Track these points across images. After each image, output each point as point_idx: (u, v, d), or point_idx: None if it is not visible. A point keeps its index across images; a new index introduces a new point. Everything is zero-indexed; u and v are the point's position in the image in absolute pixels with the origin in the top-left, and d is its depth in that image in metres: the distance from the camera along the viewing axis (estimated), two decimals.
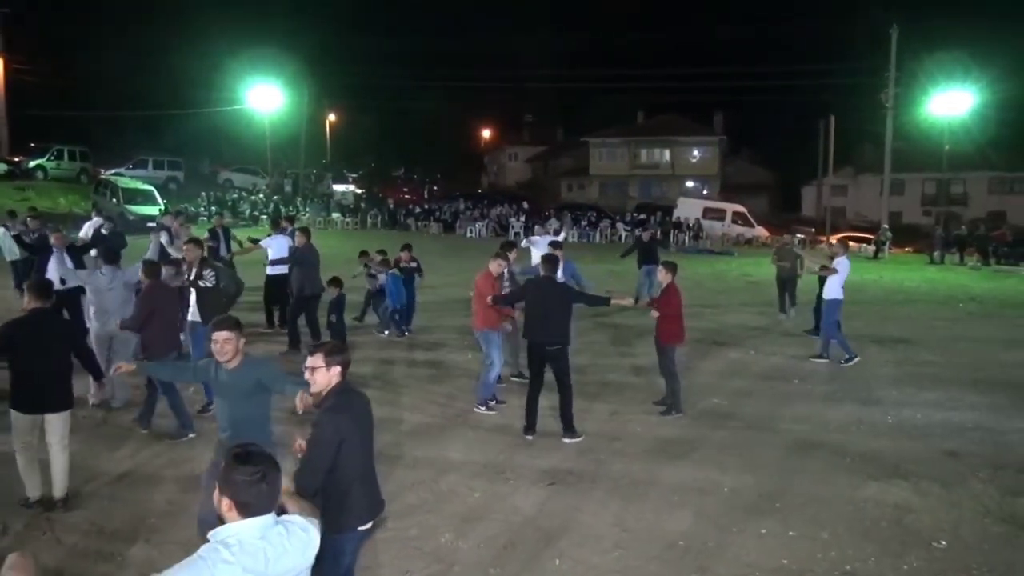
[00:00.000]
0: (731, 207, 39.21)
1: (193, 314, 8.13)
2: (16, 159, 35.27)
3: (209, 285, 8.03)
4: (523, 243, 13.40)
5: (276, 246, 11.89)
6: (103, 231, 13.01)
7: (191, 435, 7.23)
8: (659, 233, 23.78)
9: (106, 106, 43.48)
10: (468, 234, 35.35)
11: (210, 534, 2.42)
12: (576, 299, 7.99)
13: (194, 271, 8.17)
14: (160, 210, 27.45)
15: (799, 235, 37.06)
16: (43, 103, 40.01)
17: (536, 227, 15.96)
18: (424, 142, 68.08)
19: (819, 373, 10.45)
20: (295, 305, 10.88)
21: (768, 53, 54.50)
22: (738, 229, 36.99)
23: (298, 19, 72.37)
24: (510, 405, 8.45)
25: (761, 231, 37.08)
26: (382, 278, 12.50)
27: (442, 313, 13.80)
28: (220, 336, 4.53)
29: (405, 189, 56.05)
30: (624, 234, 35.20)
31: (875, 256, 31.44)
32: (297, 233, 11.29)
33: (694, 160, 58.48)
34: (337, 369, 3.72)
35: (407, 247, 12.80)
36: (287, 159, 48.18)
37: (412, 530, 5.58)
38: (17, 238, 12.13)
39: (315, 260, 10.99)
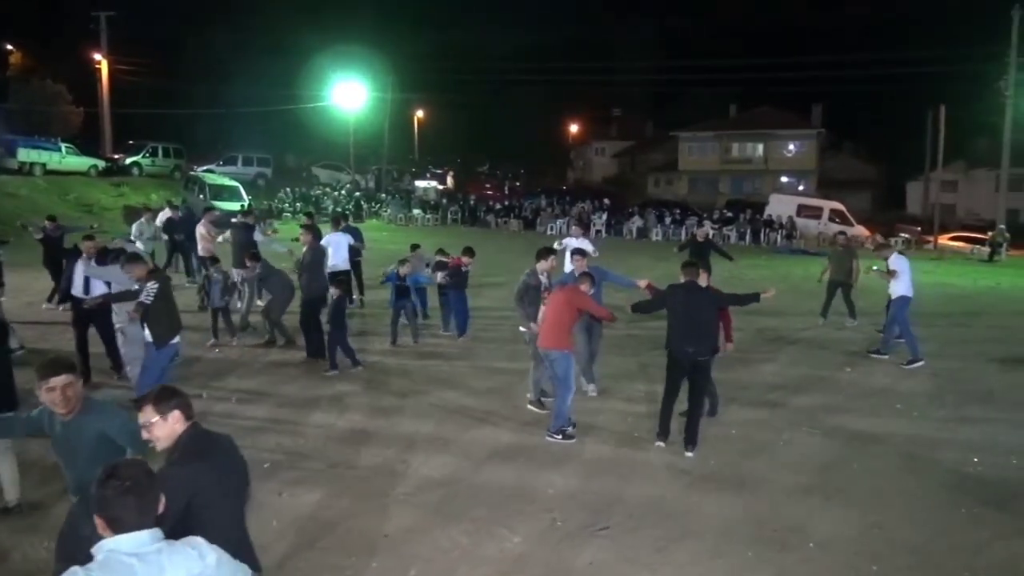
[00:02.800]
0: (828, 204, 36.97)
1: (147, 335, 7.22)
2: (115, 156, 36.57)
3: (148, 302, 7.05)
4: (557, 245, 12.35)
5: (336, 243, 12.34)
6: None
7: None
8: (713, 234, 22.32)
9: (201, 105, 44.80)
10: (549, 231, 34.45)
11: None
12: (727, 302, 7.51)
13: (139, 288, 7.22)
14: (243, 206, 27.85)
15: (903, 235, 34.80)
16: (144, 102, 41.52)
17: (573, 228, 14.35)
18: (511, 138, 67.64)
19: (926, 394, 9.15)
20: (303, 310, 10.27)
21: (872, 39, 51.32)
22: (835, 228, 34.68)
23: (385, 15, 73.07)
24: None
25: (861, 230, 34.66)
26: (429, 274, 12.08)
27: (502, 321, 13.01)
28: (58, 382, 3.64)
29: (488, 185, 55.47)
30: (711, 232, 33.61)
31: (990, 259, 28.97)
32: (302, 232, 10.64)
33: (790, 154, 55.78)
34: (176, 414, 3.13)
35: (470, 251, 12.07)
36: (373, 155, 48.58)
37: None
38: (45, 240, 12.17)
39: (320, 259, 10.61)
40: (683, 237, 32.83)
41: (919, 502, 6.10)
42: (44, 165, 31.19)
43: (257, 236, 13.05)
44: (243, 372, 9.61)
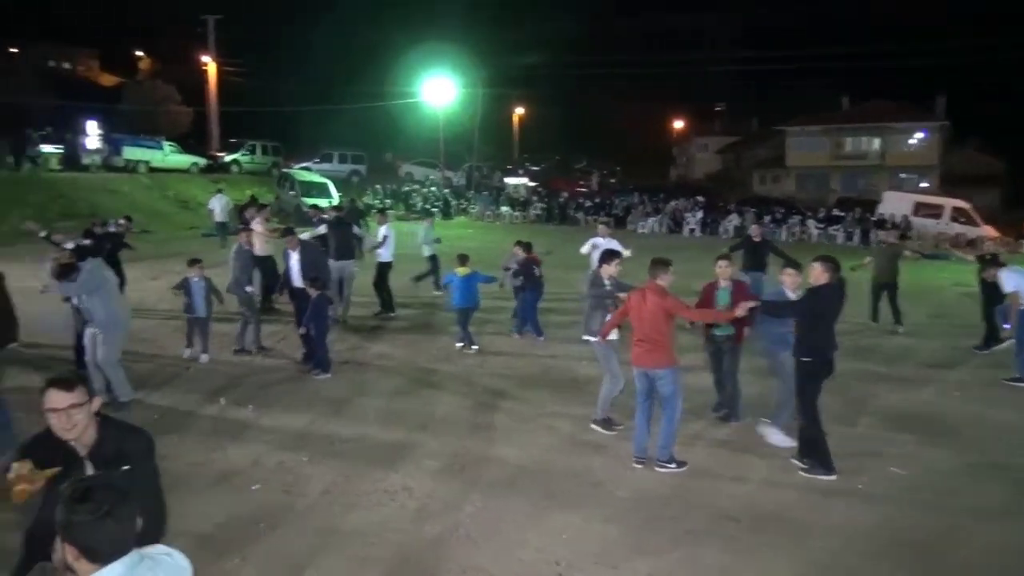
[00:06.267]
0: (950, 202, 33.55)
1: None
2: (216, 154, 37.94)
3: None
4: (584, 248, 12.29)
5: (391, 236, 13.31)
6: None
7: None
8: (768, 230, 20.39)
9: (301, 103, 45.88)
10: (639, 230, 33.13)
11: None
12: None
13: None
14: (330, 202, 27.96)
15: None
16: (248, 102, 42.85)
17: (600, 227, 13.24)
18: (612, 134, 66.45)
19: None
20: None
21: (1003, 21, 46.99)
22: (958, 228, 31.59)
23: (482, 10, 73.18)
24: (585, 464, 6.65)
25: (987, 231, 31.32)
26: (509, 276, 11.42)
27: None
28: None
29: (581, 182, 54.35)
30: (815, 232, 31.50)
31: None
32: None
33: (909, 149, 51.83)
34: (98, 400, 2.97)
35: (526, 246, 11.45)
36: (468, 152, 48.51)
37: None
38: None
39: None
40: (783, 237, 30.90)
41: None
42: (148, 163, 32.67)
43: (356, 230, 13.75)
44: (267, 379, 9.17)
